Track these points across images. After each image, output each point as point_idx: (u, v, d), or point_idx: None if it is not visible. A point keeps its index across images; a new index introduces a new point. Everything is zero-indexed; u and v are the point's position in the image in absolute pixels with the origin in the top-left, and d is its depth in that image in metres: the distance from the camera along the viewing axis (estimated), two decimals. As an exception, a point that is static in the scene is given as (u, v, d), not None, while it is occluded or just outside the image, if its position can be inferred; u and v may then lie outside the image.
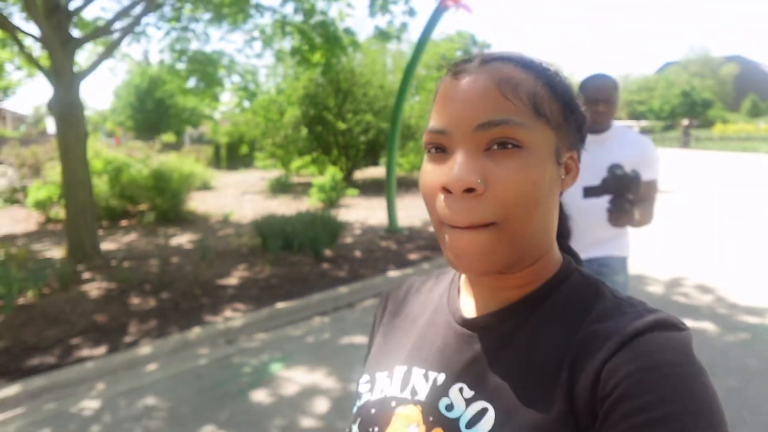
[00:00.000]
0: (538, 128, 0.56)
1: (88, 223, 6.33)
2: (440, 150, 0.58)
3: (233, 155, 21.66)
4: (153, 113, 30.83)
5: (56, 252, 6.92)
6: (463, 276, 0.71)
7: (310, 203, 11.28)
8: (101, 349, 4.02)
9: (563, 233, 0.70)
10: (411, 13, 7.69)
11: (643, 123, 42.65)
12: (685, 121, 35.94)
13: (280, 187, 13.98)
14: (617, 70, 69.95)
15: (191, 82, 9.18)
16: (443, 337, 0.66)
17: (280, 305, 4.93)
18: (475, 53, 0.61)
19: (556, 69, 0.61)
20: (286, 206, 10.95)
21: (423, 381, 0.63)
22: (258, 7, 7.88)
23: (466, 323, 0.64)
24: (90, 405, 3.34)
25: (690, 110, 44.96)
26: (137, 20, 6.61)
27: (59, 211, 9.10)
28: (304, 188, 13.94)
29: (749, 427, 2.86)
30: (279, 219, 7.11)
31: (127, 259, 6.56)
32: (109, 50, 6.73)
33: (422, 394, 0.62)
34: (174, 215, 9.47)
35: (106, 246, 7.29)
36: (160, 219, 9.34)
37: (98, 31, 6.64)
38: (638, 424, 0.44)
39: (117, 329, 4.39)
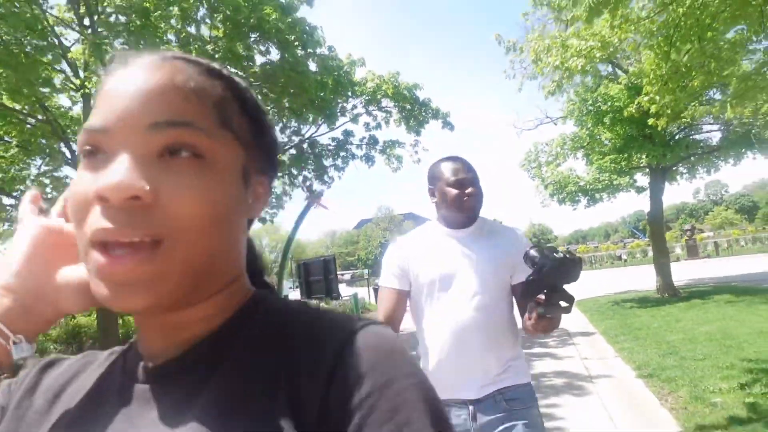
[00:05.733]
0: (224, 140, 0.50)
1: None
2: (98, 153, 0.47)
3: None
4: None
5: None
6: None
7: None
8: None
9: (257, 271, 0.61)
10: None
11: (354, 271, 47.53)
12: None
13: None
14: (324, 228, 77.93)
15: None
16: (117, 402, 0.51)
17: None
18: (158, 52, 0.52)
19: (247, 83, 0.57)
20: None
21: None
22: None
23: (147, 377, 0.52)
24: None
25: (387, 258, 52.91)
26: None
27: None
28: None
29: None
30: None
31: None
32: None
33: None
34: None
35: None
36: None
37: None
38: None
39: None
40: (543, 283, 1.49)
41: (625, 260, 37.51)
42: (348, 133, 11.33)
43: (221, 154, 0.49)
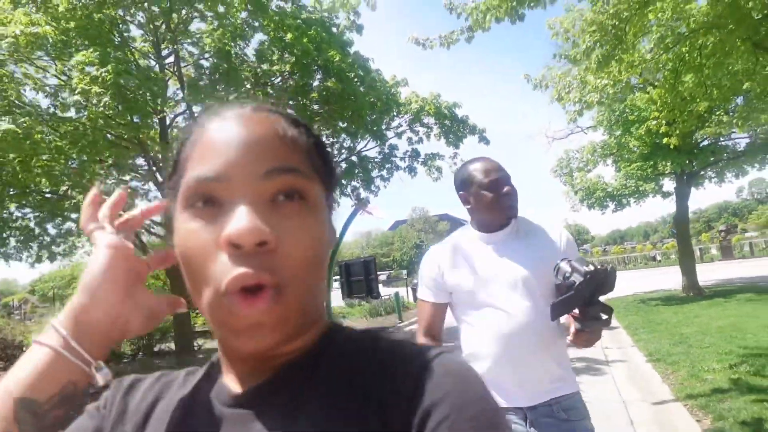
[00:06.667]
0: (316, 182, 0.54)
1: None
2: (209, 204, 0.50)
3: None
4: None
5: None
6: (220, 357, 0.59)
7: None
8: None
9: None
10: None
11: (390, 272, 48.45)
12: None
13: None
14: (359, 228, 79.19)
15: None
16: (206, 427, 0.54)
17: None
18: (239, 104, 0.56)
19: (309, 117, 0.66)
20: None
21: None
22: None
23: (236, 402, 0.53)
24: None
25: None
26: None
27: None
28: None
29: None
30: None
31: None
32: None
33: None
34: None
35: None
36: None
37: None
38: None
39: None
40: (575, 300, 1.42)
41: (659, 261, 37.49)
42: (393, 147, 12.67)
43: (316, 195, 0.53)
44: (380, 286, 24.72)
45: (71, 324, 0.54)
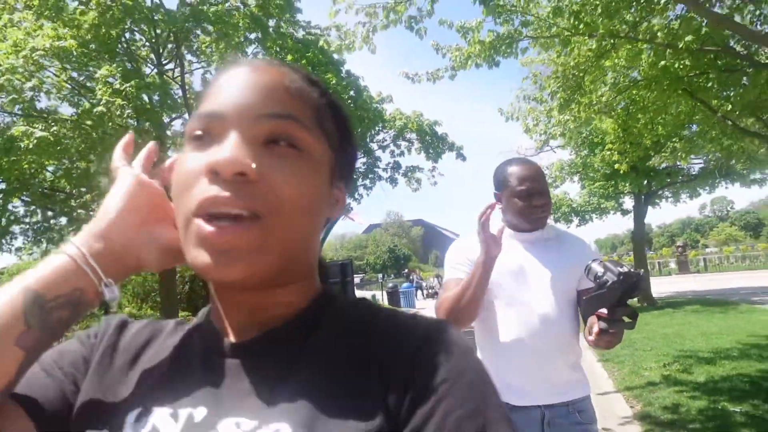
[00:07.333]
0: (318, 138, 0.54)
1: None
2: (207, 137, 0.52)
3: None
4: None
5: None
6: (212, 309, 0.60)
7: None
8: None
9: (320, 270, 0.63)
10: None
11: (363, 275, 49.23)
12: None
13: None
14: (334, 231, 79.58)
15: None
16: (200, 372, 0.55)
17: None
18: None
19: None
20: None
21: (170, 421, 0.51)
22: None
23: (232, 352, 0.55)
24: None
25: (395, 263, 54.53)
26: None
27: None
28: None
29: None
30: None
31: None
32: None
33: None
34: None
35: None
36: None
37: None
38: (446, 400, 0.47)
39: None
40: (606, 299, 1.44)
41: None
42: (376, 158, 13.55)
43: (315, 149, 0.54)
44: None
45: (87, 240, 0.54)
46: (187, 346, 0.58)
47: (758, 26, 5.63)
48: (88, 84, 7.46)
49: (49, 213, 9.19)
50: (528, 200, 1.73)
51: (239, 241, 0.47)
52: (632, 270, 1.41)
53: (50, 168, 8.72)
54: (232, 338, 0.56)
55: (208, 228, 0.48)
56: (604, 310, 1.46)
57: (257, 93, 0.52)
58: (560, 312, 1.71)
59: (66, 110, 8.30)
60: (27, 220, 9.24)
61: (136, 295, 15.47)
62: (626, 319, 1.45)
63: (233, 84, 0.53)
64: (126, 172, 0.60)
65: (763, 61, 5.16)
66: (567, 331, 1.73)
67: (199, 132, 0.52)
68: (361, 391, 0.49)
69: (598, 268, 1.47)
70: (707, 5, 4.60)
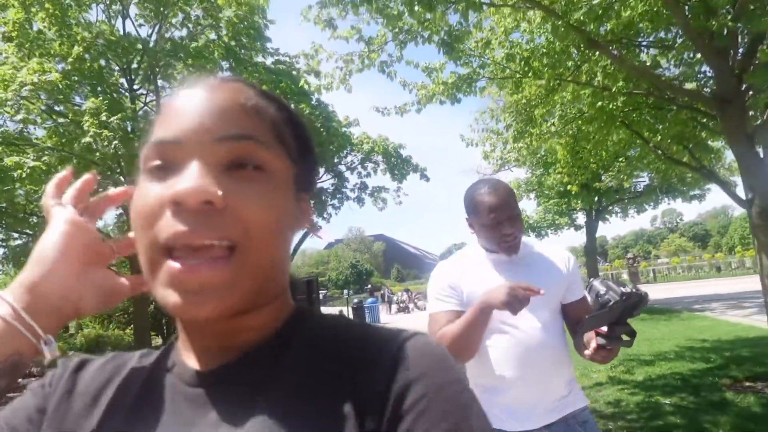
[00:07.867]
0: (279, 155, 0.53)
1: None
2: (164, 166, 0.49)
3: None
4: None
5: None
6: (180, 338, 0.57)
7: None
8: None
9: (293, 287, 0.62)
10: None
11: (326, 292, 49.34)
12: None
13: None
14: (294, 248, 79.33)
15: None
16: (169, 405, 0.52)
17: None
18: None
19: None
20: None
21: None
22: None
23: (201, 381, 0.52)
24: None
25: (358, 278, 54.87)
26: None
27: None
28: None
29: None
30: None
31: None
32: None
33: None
34: None
35: None
36: None
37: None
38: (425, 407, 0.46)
39: None
40: (607, 318, 1.45)
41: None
42: (344, 179, 14.17)
43: (278, 167, 0.52)
44: (319, 305, 25.80)
45: (21, 295, 0.51)
46: (153, 379, 0.56)
47: (680, 68, 6.56)
48: (71, 117, 7.72)
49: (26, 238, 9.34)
50: (497, 230, 1.71)
51: (210, 279, 0.46)
52: (634, 290, 1.41)
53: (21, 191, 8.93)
54: (200, 367, 0.53)
55: (176, 266, 0.46)
56: (604, 327, 1.47)
57: (213, 115, 0.50)
58: (551, 331, 1.72)
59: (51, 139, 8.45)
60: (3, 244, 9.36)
61: (101, 315, 15.37)
62: (625, 338, 1.47)
63: (188, 107, 0.51)
64: (59, 213, 0.58)
65: (680, 101, 6.04)
66: (559, 349, 1.73)
67: (157, 162, 0.50)
68: (336, 413, 0.46)
69: (600, 287, 1.47)
70: (630, 56, 5.42)
